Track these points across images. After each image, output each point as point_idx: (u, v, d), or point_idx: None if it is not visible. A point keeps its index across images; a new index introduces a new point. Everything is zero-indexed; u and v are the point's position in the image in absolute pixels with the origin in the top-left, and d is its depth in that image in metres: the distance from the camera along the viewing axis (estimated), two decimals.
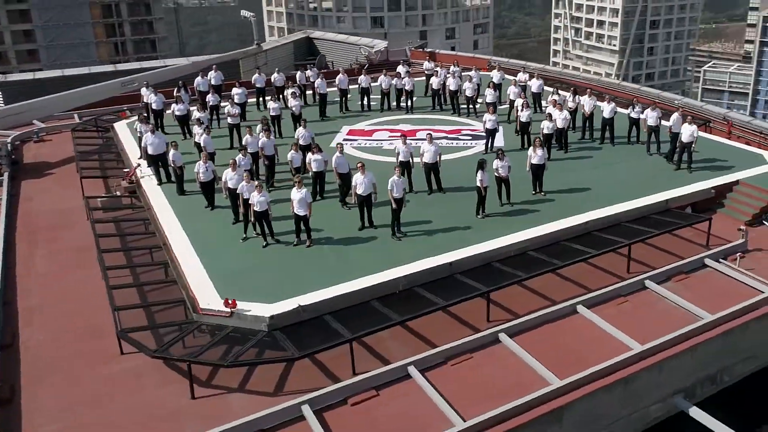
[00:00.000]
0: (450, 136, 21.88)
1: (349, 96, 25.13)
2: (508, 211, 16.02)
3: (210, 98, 23.24)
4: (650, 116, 18.88)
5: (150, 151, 18.21)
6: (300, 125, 18.90)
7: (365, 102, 25.14)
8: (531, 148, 16.58)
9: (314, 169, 16.58)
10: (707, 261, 14.27)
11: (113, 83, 26.79)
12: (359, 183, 14.79)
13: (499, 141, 20.28)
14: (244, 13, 40.98)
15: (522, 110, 19.72)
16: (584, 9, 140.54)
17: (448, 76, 24.39)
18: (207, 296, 12.67)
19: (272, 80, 25.62)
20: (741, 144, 20.46)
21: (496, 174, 15.79)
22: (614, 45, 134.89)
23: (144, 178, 19.02)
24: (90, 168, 20.78)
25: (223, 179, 15.57)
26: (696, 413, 10.83)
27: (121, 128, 24.30)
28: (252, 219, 14.40)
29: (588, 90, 20.94)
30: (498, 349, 11.80)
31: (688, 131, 17.54)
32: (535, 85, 23.17)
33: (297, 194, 14.23)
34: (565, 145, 19.61)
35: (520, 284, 13.41)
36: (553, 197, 16.67)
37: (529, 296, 13.53)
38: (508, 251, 14.16)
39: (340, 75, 24.90)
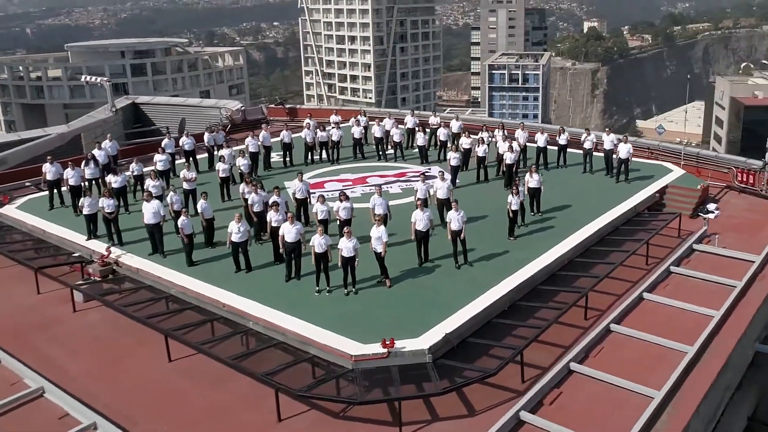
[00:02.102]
0: (401, 179, 24.27)
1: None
2: (528, 231, 18.96)
3: (134, 167, 22.49)
4: (587, 141, 23.65)
5: (147, 219, 17.57)
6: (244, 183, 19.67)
7: (287, 158, 26.30)
8: (528, 173, 19.90)
9: (344, 217, 17.69)
10: (695, 246, 18.83)
11: None
12: (419, 219, 16.49)
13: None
14: (90, 78, 37.95)
15: (478, 146, 23.12)
16: (336, 65, 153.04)
17: (372, 124, 26.86)
18: (347, 344, 13.26)
19: (181, 143, 25.46)
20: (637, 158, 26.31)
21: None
22: (370, 97, 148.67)
23: (122, 257, 18.06)
24: (32, 258, 18.84)
25: (281, 233, 15.98)
26: None
27: (17, 213, 22.06)
28: (339, 264, 15.21)
29: (522, 124, 25.26)
30: (616, 337, 14.46)
31: (624, 149, 22.53)
32: (455, 126, 26.79)
33: (375, 232, 15.47)
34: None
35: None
36: (550, 215, 20.10)
37: (593, 294, 16.47)
38: (562, 261, 17.10)
39: (263, 132, 25.78)
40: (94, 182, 22.53)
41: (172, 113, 41.06)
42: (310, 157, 26.52)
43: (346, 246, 15.08)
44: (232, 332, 14.63)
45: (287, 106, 38.68)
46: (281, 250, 16.16)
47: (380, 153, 26.82)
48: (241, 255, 16.66)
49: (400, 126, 26.54)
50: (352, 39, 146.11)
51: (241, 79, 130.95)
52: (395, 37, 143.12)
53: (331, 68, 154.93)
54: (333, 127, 26.79)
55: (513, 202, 18.07)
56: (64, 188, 22.11)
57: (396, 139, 26.19)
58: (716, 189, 23.83)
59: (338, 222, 17.81)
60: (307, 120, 28.12)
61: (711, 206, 22.01)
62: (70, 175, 21.34)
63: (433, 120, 28.03)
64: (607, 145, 23.39)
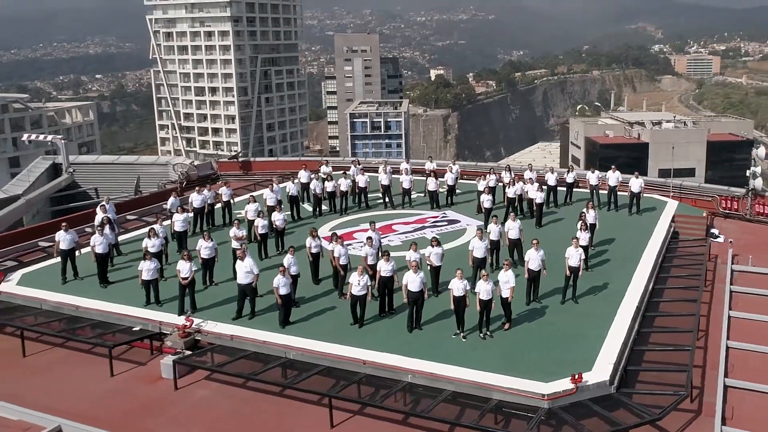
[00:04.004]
0: (426, 225, 24.99)
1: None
2: (594, 264, 20.43)
3: (158, 228, 21.34)
4: (591, 177, 25.91)
5: (240, 279, 17.13)
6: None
7: (295, 212, 26.08)
8: (585, 209, 21.50)
9: (435, 263, 18.13)
10: (734, 267, 21.33)
11: None
12: (532, 258, 17.38)
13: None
14: (33, 136, 34.12)
15: (509, 187, 24.58)
16: (195, 118, 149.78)
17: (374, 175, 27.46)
18: (532, 385, 13.74)
19: (190, 201, 24.51)
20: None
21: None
22: (235, 150, 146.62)
23: (205, 324, 17.13)
24: (92, 338, 17.28)
25: (404, 282, 16.12)
26: None
27: (26, 290, 19.98)
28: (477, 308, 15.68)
29: (529, 165, 27.08)
30: (737, 352, 16.15)
31: (636, 184, 24.97)
32: (453, 169, 28.07)
33: (504, 276, 16.14)
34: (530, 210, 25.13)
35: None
36: (601, 248, 21.76)
37: (676, 319, 18.08)
38: (648, 288, 18.71)
39: (275, 185, 25.45)
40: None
41: (100, 173, 38.97)
42: (318, 209, 26.48)
43: (484, 289, 15.59)
44: (389, 389, 14.33)
45: (241, 159, 38.05)
46: (404, 300, 16.28)
47: (386, 201, 27.37)
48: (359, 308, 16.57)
49: (409, 173, 27.35)
50: (213, 90, 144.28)
51: (92, 135, 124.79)
52: (260, 87, 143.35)
53: (190, 121, 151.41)
54: (341, 177, 27.00)
55: (582, 237, 19.48)
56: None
57: (405, 185, 26.96)
58: None
59: (429, 268, 18.20)
60: (302, 171, 28.10)
61: (714, 231, 24.90)
62: (98, 242, 19.83)
63: (429, 166, 29.18)
64: (612, 182, 25.74)
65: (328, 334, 16.38)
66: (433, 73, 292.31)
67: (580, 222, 19.97)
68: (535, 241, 17.67)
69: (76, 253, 20.68)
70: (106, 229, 21.09)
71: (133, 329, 17.74)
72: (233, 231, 20.30)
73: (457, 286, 15.64)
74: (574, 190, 27.20)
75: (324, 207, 26.89)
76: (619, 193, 26.17)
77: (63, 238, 20.31)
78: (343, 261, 18.22)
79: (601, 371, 14.20)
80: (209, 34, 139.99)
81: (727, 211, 27.06)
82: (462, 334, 15.89)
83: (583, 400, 13.57)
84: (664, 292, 19.18)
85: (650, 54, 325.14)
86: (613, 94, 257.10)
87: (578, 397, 13.61)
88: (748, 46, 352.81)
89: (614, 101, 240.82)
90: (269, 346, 16.18)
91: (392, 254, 17.94)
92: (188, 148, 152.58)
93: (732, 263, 21.64)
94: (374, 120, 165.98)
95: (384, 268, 16.89)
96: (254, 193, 26.67)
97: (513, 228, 20.01)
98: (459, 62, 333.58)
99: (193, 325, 17.06)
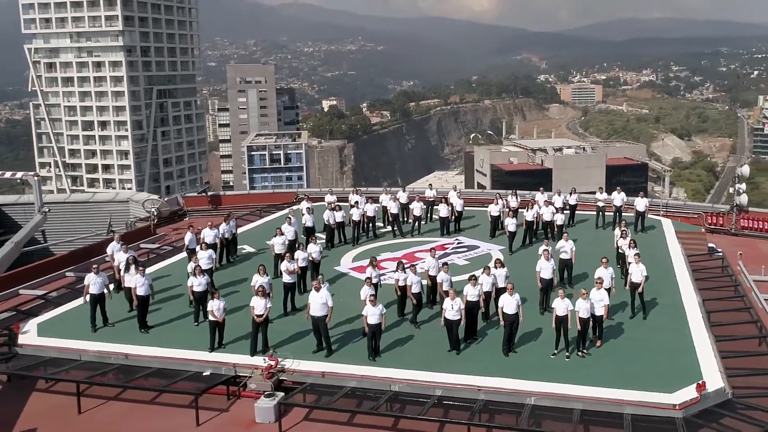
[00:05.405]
0: (448, 251, 25.48)
1: None
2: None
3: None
4: (600, 198, 27.44)
5: (313, 311, 17.04)
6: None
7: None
8: (622, 227, 22.77)
9: (499, 285, 18.62)
10: (751, 278, 23.24)
11: None
12: (604, 276, 18.26)
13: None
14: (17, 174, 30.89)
15: (527, 211, 25.56)
16: (82, 155, 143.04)
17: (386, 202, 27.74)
18: (660, 397, 14.49)
19: (202, 236, 23.75)
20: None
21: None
22: (129, 187, 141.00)
23: (290, 362, 16.70)
24: (168, 385, 16.33)
25: (501, 305, 16.50)
26: None
27: (54, 341, 18.62)
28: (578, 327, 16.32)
29: (541, 189, 28.26)
30: None
31: (642, 203, 26.70)
32: (456, 195, 28.86)
33: (597, 295, 16.86)
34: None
35: None
36: None
37: (742, 326, 19.49)
38: (698, 301, 20.10)
39: (293, 218, 25.12)
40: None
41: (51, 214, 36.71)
42: (332, 241, 26.37)
43: (584, 307, 16.27)
44: (515, 414, 14.58)
45: (210, 193, 37.12)
46: (501, 323, 16.68)
47: (395, 229, 27.67)
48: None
49: (420, 201, 27.83)
50: (104, 124, 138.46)
51: None
52: (156, 120, 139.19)
53: (76, 158, 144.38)
54: (351, 207, 27.08)
55: (631, 254, 20.68)
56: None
57: (416, 213, 27.41)
58: None
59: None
60: (304, 202, 27.96)
61: (712, 245, 26.98)
62: (139, 282, 18.89)
63: (430, 193, 29.81)
64: (617, 202, 27.41)
65: (424, 362, 16.42)
66: (325, 104, 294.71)
67: (629, 239, 21.17)
68: (604, 260, 18.62)
69: (105, 292, 19.57)
70: (132, 270, 20.12)
71: (204, 374, 17.03)
72: (285, 265, 19.96)
73: (560, 306, 16.22)
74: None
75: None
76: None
77: (94, 282, 19.17)
78: (415, 289, 18.39)
79: (713, 379, 15.16)
80: (98, 65, 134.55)
81: (713, 227, 29.38)
82: (567, 354, 16.45)
83: (708, 407, 14.45)
84: (705, 304, 20.57)
85: (537, 83, 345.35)
86: (505, 123, 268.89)
87: (702, 405, 14.48)
88: (626, 76, 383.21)
89: (506, 129, 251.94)
90: (370, 379, 16.01)
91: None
92: (74, 187, 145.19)
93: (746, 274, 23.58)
94: (273, 152, 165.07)
95: (470, 292, 17.20)
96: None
97: (565, 248, 20.89)
98: (350, 93, 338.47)
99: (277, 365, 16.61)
